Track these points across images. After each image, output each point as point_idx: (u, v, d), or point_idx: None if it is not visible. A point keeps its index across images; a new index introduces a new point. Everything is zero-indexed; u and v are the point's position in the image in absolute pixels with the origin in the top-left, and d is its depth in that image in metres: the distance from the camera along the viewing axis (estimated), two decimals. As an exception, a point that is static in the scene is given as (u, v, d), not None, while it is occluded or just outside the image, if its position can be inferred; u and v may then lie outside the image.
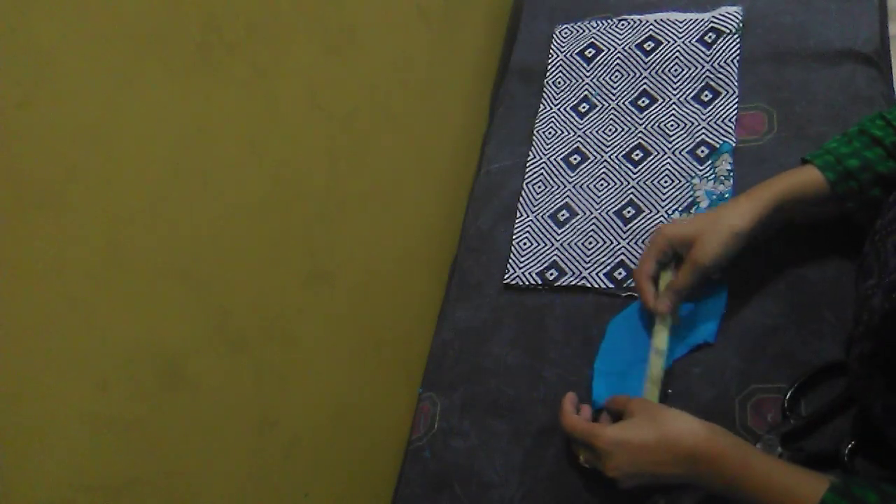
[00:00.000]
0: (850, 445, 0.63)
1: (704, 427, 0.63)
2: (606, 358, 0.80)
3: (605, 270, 0.86)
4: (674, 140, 0.91)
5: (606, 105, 0.98)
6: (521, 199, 0.95)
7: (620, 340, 0.80)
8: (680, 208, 0.86)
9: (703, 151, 0.89)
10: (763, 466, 0.59)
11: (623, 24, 1.02)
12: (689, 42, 0.96)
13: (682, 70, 0.95)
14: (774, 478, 0.58)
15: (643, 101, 0.96)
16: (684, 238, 0.72)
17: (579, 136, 0.97)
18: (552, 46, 1.06)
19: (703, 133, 0.90)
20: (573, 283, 0.86)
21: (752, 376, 0.72)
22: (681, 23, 0.98)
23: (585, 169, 0.94)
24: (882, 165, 0.68)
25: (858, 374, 0.59)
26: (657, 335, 0.75)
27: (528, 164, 0.98)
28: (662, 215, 0.86)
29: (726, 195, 0.84)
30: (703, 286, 0.76)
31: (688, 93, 0.94)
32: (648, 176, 0.90)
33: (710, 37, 0.96)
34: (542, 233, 0.91)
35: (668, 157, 0.90)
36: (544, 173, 0.96)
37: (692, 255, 0.72)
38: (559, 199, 0.93)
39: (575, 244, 0.89)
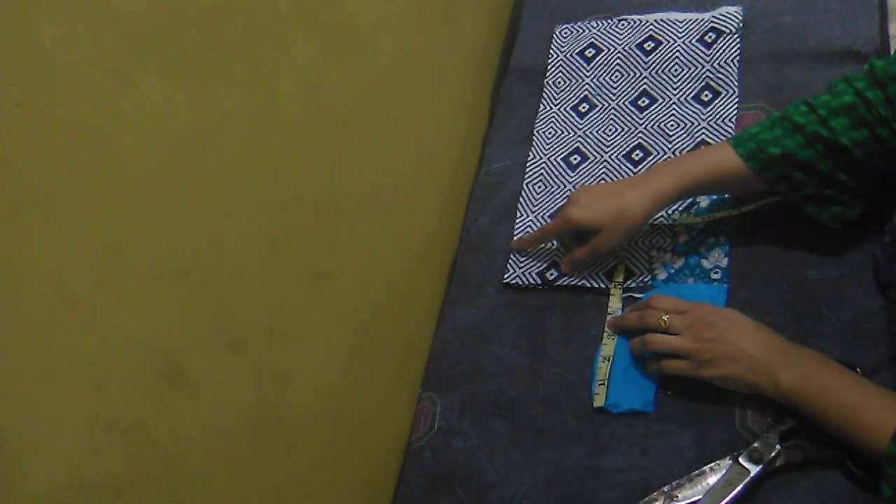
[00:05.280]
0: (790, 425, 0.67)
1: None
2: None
3: (604, 270, 0.85)
4: (674, 140, 0.91)
5: (606, 105, 0.98)
6: (521, 199, 0.95)
7: (620, 340, 0.80)
8: (680, 208, 0.86)
9: (703, 151, 0.89)
10: (854, 382, 0.63)
11: (623, 24, 1.02)
12: (689, 42, 0.96)
13: (682, 70, 0.95)
14: (863, 396, 0.62)
15: (643, 101, 0.96)
16: (590, 227, 0.79)
17: (579, 136, 0.97)
18: (552, 46, 1.06)
19: (703, 133, 0.90)
20: (573, 283, 0.86)
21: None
22: (681, 23, 0.98)
23: (585, 169, 0.94)
24: (801, 153, 0.70)
25: None
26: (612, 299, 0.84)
27: (528, 164, 0.98)
28: (663, 215, 0.86)
29: (726, 195, 0.84)
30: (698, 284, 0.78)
31: (688, 93, 0.94)
32: (648, 176, 0.90)
33: (710, 37, 0.95)
34: (542, 233, 0.91)
35: (669, 157, 0.90)
36: (544, 173, 0.96)
37: (595, 243, 0.80)
38: (559, 199, 0.93)
39: (575, 244, 0.89)
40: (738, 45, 0.93)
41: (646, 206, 0.75)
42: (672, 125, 0.92)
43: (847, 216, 0.73)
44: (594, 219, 0.78)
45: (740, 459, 0.67)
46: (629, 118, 0.96)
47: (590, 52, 1.03)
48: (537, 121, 1.01)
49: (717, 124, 0.90)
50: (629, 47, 1.00)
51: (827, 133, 0.68)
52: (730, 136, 0.87)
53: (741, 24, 0.94)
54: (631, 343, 0.78)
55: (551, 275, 0.88)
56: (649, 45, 0.99)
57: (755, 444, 0.67)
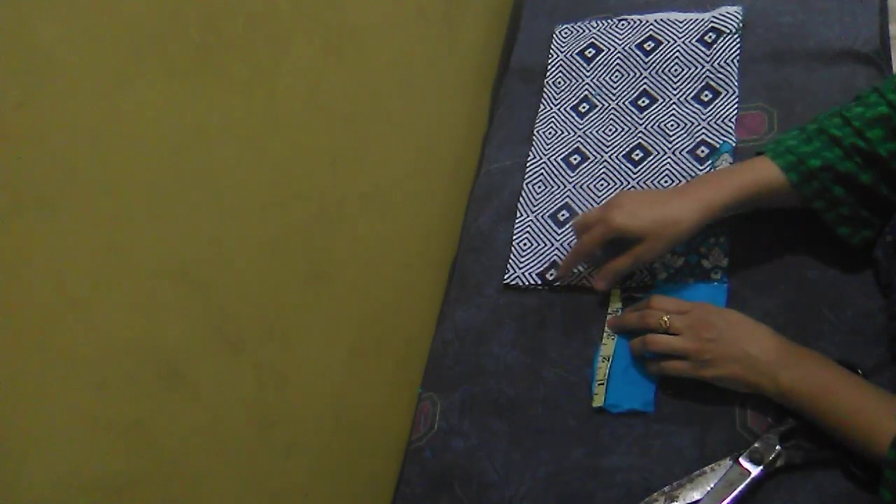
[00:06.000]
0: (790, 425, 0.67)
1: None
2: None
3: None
4: (674, 140, 0.91)
5: (606, 105, 0.98)
6: (521, 199, 0.95)
7: (620, 340, 0.80)
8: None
9: (703, 151, 0.89)
10: (855, 384, 0.63)
11: (623, 24, 1.02)
12: (689, 42, 0.96)
13: (682, 70, 0.95)
14: (864, 399, 0.61)
15: (643, 101, 0.96)
16: (633, 234, 0.75)
17: (579, 136, 0.97)
18: (552, 46, 1.06)
19: (703, 133, 0.90)
20: (573, 283, 0.86)
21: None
22: (681, 23, 0.98)
23: (585, 169, 0.94)
24: (841, 165, 0.69)
25: None
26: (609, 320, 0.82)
27: (528, 164, 0.98)
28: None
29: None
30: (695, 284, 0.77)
31: (688, 93, 0.94)
32: (648, 176, 0.90)
33: (710, 37, 0.95)
34: (542, 233, 0.91)
35: (668, 157, 0.90)
36: (544, 173, 0.96)
37: (638, 251, 0.75)
38: (559, 199, 0.93)
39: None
40: (738, 45, 0.93)
41: (694, 216, 0.72)
42: (672, 125, 0.92)
43: (873, 238, 0.72)
44: (639, 226, 0.74)
45: (741, 460, 0.67)
46: (629, 118, 0.96)
47: (590, 52, 1.03)
48: (537, 121, 1.01)
49: (717, 124, 0.90)
50: (629, 47, 1.00)
51: (864, 145, 0.68)
52: (730, 136, 0.88)
53: (741, 24, 0.94)
54: (631, 343, 0.78)
55: (551, 275, 0.88)
56: (649, 45, 0.99)
57: (756, 445, 0.67)
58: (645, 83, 0.97)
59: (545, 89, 1.03)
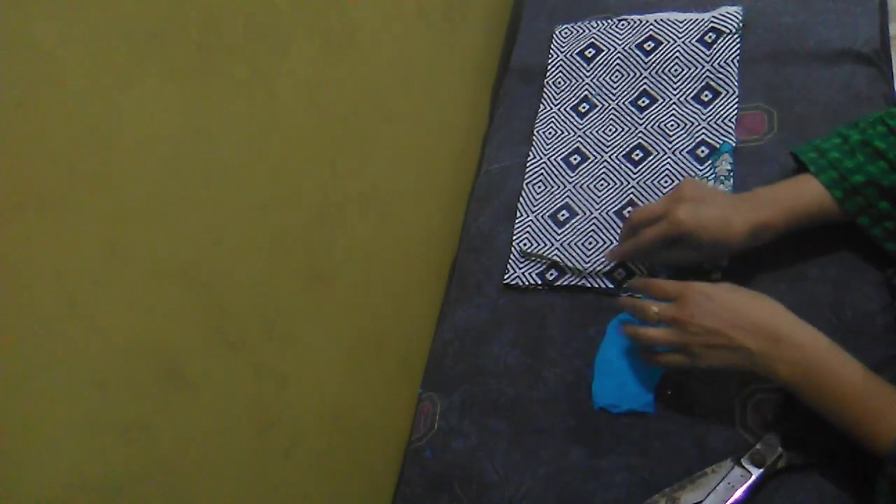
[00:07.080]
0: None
1: (791, 315, 0.64)
2: (606, 358, 0.80)
3: (605, 270, 0.85)
4: (674, 140, 0.91)
5: (606, 105, 0.98)
6: (521, 199, 0.95)
7: (620, 340, 0.80)
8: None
9: (703, 151, 0.89)
10: (851, 375, 0.60)
11: (623, 24, 1.02)
12: (689, 42, 0.96)
13: (682, 70, 0.95)
14: (865, 393, 0.59)
15: (643, 101, 0.96)
16: (694, 242, 0.72)
17: (579, 136, 0.97)
18: (552, 46, 1.06)
19: (703, 133, 0.90)
20: (573, 283, 0.86)
21: (752, 376, 0.72)
22: (681, 23, 0.98)
23: (585, 169, 0.94)
24: (886, 179, 0.67)
25: None
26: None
27: (528, 164, 0.98)
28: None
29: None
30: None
31: (688, 93, 0.94)
32: (648, 176, 0.90)
33: (710, 37, 0.95)
34: (542, 233, 0.91)
35: (668, 157, 0.90)
36: (544, 173, 0.96)
37: (677, 254, 0.75)
38: (559, 199, 0.93)
39: (575, 244, 0.89)
40: (738, 45, 0.93)
41: (742, 240, 0.70)
42: (672, 125, 0.92)
43: None
44: (704, 235, 0.71)
45: (742, 462, 0.67)
46: (629, 118, 0.96)
47: (590, 52, 1.03)
48: (537, 121, 1.01)
49: (717, 124, 0.90)
50: (629, 47, 1.00)
51: None
52: (730, 136, 0.88)
53: (741, 24, 0.94)
54: (624, 326, 0.74)
55: (551, 275, 0.88)
56: (649, 45, 0.99)
57: (757, 447, 0.67)
58: (645, 83, 0.97)
59: (545, 89, 1.03)
